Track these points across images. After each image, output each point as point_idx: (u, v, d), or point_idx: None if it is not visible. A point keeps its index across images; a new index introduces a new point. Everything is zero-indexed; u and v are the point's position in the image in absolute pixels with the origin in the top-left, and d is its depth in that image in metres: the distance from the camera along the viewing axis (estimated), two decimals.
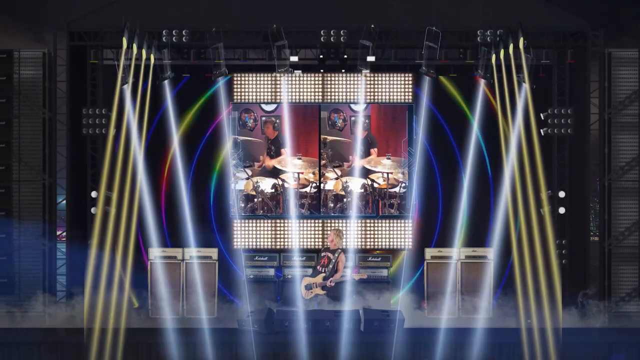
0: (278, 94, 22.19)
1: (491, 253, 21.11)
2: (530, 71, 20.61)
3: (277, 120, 22.04)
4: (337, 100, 22.23)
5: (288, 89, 21.89)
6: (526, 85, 20.66)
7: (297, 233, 21.81)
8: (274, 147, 22.07)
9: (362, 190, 22.17)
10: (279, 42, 20.79)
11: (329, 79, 22.26)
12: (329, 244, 20.66)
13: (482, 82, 21.21)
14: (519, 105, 20.77)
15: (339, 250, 20.42)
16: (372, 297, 20.92)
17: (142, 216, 21.23)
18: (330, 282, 20.13)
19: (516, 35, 20.43)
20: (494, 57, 20.84)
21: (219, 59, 21.23)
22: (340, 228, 21.24)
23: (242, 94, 22.25)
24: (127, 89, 20.76)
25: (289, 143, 21.94)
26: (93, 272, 20.56)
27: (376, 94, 22.16)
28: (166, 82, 21.31)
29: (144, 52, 20.78)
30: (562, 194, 21.34)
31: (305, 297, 20.25)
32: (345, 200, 22.17)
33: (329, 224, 21.92)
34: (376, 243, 22.25)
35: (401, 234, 22.24)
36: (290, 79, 21.87)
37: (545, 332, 18.80)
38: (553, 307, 19.87)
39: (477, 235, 21.93)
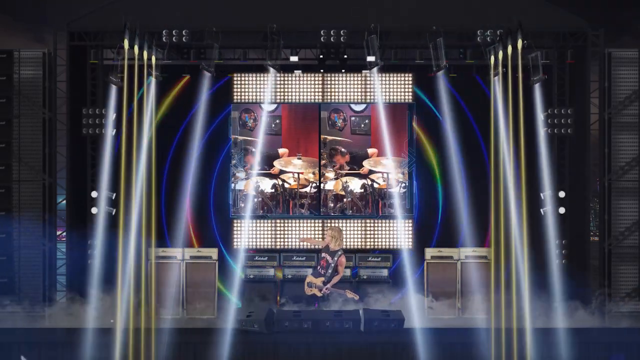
0: (278, 94, 22.23)
1: (491, 253, 21.06)
2: (537, 68, 20.58)
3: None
4: (337, 100, 22.25)
5: (273, 88, 21.91)
6: (535, 85, 20.69)
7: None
8: None
9: (362, 190, 22.18)
10: (274, 41, 20.75)
11: (329, 79, 22.28)
12: (328, 243, 20.49)
13: (494, 80, 20.93)
14: (520, 104, 20.72)
15: (339, 252, 20.31)
16: (372, 297, 20.95)
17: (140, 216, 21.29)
18: (326, 289, 20.13)
19: (516, 35, 20.40)
20: (492, 58, 20.80)
21: (216, 58, 21.27)
22: (340, 227, 21.16)
23: (242, 94, 22.27)
24: (115, 89, 20.83)
25: (259, 147, 21.98)
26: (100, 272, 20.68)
27: (376, 93, 22.19)
28: (154, 82, 21.13)
29: (145, 52, 20.72)
30: (562, 194, 21.33)
31: (306, 293, 20.29)
32: (345, 200, 22.18)
33: (329, 224, 21.92)
34: (376, 243, 22.27)
35: (401, 234, 22.26)
36: (277, 78, 21.92)
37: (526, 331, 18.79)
38: (548, 307, 19.98)
39: (477, 235, 21.92)
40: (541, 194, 21.38)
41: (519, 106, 20.05)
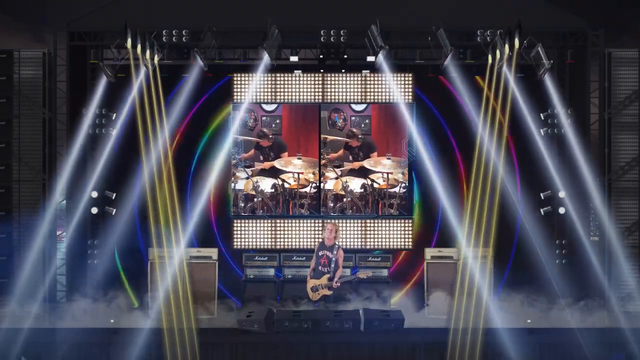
0: (278, 93, 22.24)
1: (490, 253, 21.07)
2: (541, 64, 20.56)
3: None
4: (337, 100, 22.26)
5: (259, 84, 21.94)
6: (546, 80, 20.74)
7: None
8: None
9: (362, 190, 22.19)
10: (272, 34, 20.72)
11: (329, 79, 22.28)
12: (326, 239, 20.33)
13: (509, 76, 20.78)
14: (509, 101, 20.72)
15: (337, 246, 20.22)
16: (372, 297, 20.94)
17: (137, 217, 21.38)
18: (336, 282, 20.02)
19: (514, 35, 20.40)
20: (490, 57, 20.79)
21: (215, 58, 21.30)
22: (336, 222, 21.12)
23: (242, 94, 22.26)
24: (103, 85, 20.93)
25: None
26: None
27: (376, 93, 22.21)
28: (150, 74, 21.03)
29: (147, 52, 20.73)
30: (562, 194, 21.33)
31: (313, 299, 20.11)
32: (345, 200, 22.18)
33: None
34: (376, 243, 22.26)
35: (401, 234, 22.27)
36: (274, 77, 21.95)
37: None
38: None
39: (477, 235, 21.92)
40: (541, 194, 21.42)
41: (507, 103, 20.10)
